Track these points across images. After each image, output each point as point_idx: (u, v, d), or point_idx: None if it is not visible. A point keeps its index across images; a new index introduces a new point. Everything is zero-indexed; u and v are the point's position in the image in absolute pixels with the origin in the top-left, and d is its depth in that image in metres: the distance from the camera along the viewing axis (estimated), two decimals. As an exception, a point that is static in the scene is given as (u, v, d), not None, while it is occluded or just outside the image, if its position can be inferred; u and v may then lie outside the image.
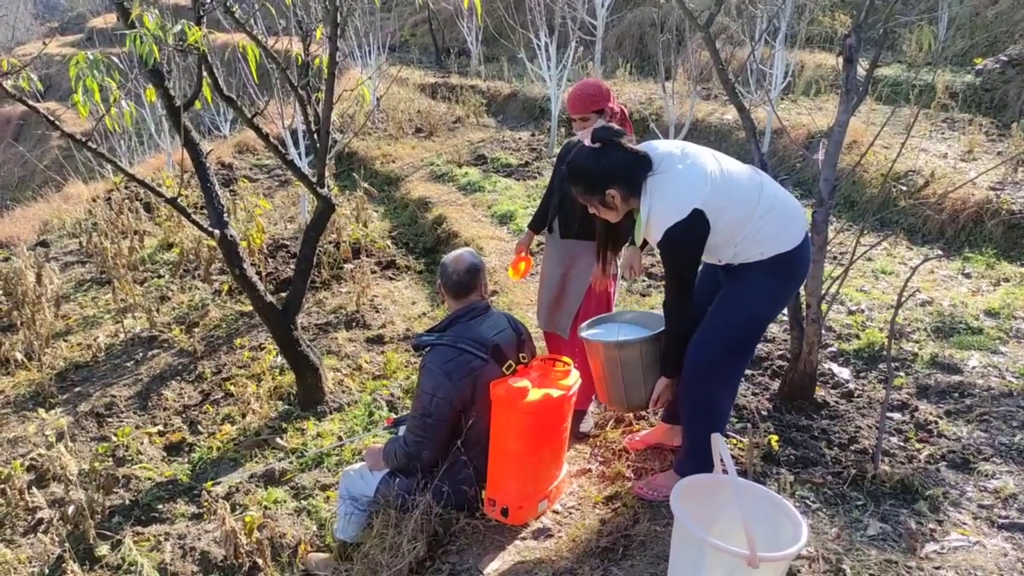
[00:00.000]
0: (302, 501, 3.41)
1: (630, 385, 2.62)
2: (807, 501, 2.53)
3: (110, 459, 3.82)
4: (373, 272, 5.86)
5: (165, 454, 3.90)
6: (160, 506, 3.46)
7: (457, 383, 2.56)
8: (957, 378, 3.30)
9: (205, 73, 3.51)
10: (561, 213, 3.32)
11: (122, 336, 5.11)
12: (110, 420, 4.19)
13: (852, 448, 2.83)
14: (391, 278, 5.87)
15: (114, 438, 3.97)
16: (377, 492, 2.73)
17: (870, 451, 2.76)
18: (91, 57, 2.81)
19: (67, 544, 3.09)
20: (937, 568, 2.17)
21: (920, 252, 4.97)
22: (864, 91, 2.95)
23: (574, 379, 2.73)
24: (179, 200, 3.37)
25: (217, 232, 3.64)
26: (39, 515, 3.37)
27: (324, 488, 3.46)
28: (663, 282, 2.90)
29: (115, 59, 2.97)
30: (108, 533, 3.23)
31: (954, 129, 6.72)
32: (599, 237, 2.76)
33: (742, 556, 1.76)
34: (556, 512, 2.78)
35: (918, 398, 3.20)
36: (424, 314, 5.18)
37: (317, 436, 3.87)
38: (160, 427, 4.10)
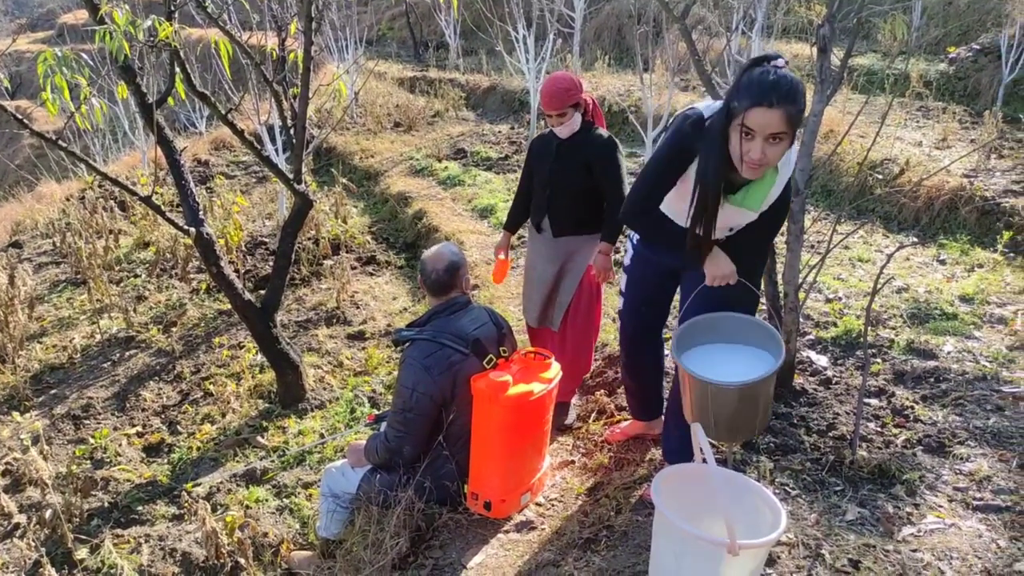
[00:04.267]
0: (284, 500, 3.39)
1: (719, 419, 2.12)
2: (786, 488, 2.55)
3: (88, 462, 3.77)
4: (353, 268, 5.83)
5: (144, 455, 3.85)
6: (140, 508, 3.42)
7: (437, 378, 2.55)
8: (933, 363, 3.34)
9: (178, 69, 3.46)
10: (552, 212, 3.28)
11: (98, 337, 5.04)
12: (87, 422, 4.14)
13: (830, 434, 2.86)
14: (371, 274, 5.84)
15: (92, 440, 3.91)
16: (359, 489, 2.72)
17: (848, 437, 2.79)
18: (59, 54, 2.76)
19: (44, 549, 3.05)
20: (914, 551, 2.20)
21: (896, 239, 5.03)
22: (839, 81, 2.97)
23: (555, 372, 2.74)
24: (154, 198, 3.32)
25: (193, 230, 3.60)
26: (15, 520, 3.32)
27: (306, 486, 3.44)
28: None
29: (86, 56, 2.91)
30: (87, 537, 3.19)
31: (928, 117, 6.80)
32: (711, 203, 2.05)
33: (722, 544, 1.77)
34: (539, 505, 2.79)
35: (895, 384, 3.24)
36: (405, 309, 5.16)
37: (298, 434, 3.84)
38: (139, 428, 4.05)
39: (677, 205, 2.23)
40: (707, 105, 2.12)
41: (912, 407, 3.02)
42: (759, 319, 2.22)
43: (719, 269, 2.18)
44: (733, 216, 2.21)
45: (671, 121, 2.25)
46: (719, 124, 1.97)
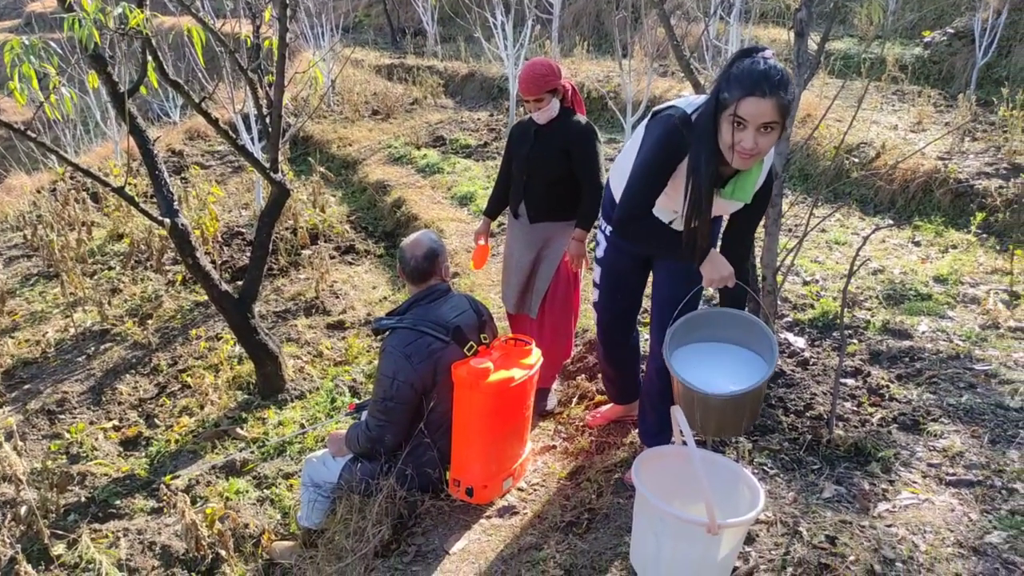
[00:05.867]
0: (264, 491, 3.37)
1: (705, 421, 2.12)
2: (765, 467, 2.58)
3: (63, 456, 3.72)
4: (332, 257, 5.78)
5: (121, 449, 3.81)
6: (117, 502, 3.38)
7: (418, 366, 2.54)
8: (907, 343, 3.39)
9: (150, 57, 3.39)
10: (529, 197, 3.27)
11: (72, 331, 4.96)
12: (62, 417, 4.08)
13: (808, 414, 2.90)
14: (351, 263, 5.80)
15: (67, 435, 3.86)
16: (340, 478, 2.71)
17: (825, 417, 2.83)
18: (27, 42, 2.69)
19: (19, 545, 3.01)
20: (889, 526, 2.24)
21: (872, 222, 5.08)
22: (816, 65, 2.99)
23: (536, 358, 2.74)
24: (127, 189, 3.27)
25: (167, 221, 3.55)
26: (-10, 517, 3.27)
27: (287, 476, 3.43)
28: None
29: (55, 44, 2.85)
30: (63, 532, 3.15)
31: (904, 101, 6.86)
32: (705, 197, 2.01)
33: (702, 524, 1.79)
34: (521, 490, 2.79)
35: (870, 364, 3.28)
36: (385, 298, 5.13)
37: (278, 424, 3.82)
38: (115, 422, 4.00)
39: (662, 202, 2.22)
40: (687, 102, 2.11)
41: (887, 386, 3.06)
42: (757, 319, 2.18)
43: (717, 271, 2.11)
44: (722, 207, 2.21)
45: (648, 122, 2.21)
46: (708, 116, 1.95)
